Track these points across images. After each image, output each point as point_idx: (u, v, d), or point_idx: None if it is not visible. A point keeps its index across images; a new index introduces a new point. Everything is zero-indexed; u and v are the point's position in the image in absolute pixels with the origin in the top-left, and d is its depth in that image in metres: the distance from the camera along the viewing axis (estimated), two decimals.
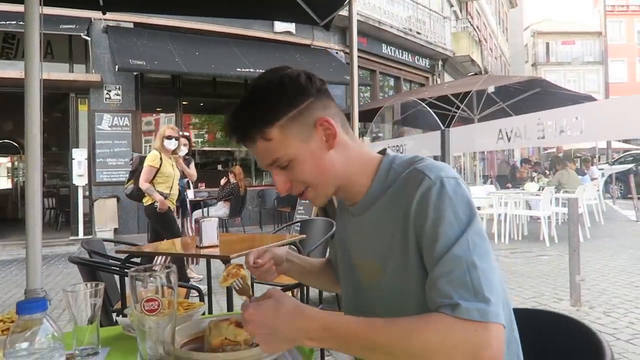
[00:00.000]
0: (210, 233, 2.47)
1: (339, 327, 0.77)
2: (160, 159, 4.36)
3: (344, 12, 3.43)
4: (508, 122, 1.61)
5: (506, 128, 1.60)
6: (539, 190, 8.37)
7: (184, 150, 5.03)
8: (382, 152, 0.99)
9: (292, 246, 3.15)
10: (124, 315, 1.23)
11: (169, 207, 4.39)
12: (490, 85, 8.37)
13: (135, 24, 8.99)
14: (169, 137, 4.43)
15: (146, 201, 4.38)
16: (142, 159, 4.53)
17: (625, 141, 26.25)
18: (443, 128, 2.06)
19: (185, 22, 9.21)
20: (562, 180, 8.99)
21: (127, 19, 8.86)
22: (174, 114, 9.67)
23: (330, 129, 0.91)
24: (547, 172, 13.95)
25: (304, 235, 3.14)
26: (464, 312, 0.72)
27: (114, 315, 2.16)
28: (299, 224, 3.75)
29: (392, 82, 14.16)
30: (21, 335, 0.63)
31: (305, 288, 3.01)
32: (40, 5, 2.29)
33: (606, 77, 31.50)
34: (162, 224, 4.35)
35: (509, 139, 1.61)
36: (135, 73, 8.73)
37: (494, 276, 0.77)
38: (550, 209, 7.50)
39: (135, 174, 4.59)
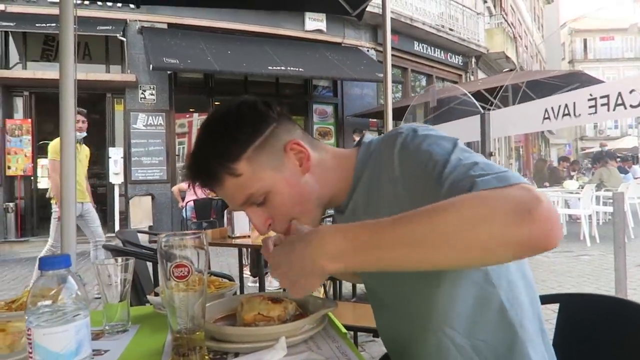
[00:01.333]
0: (242, 223, 2.45)
1: (362, 228, 0.66)
2: None
3: (375, 8, 3.36)
4: (556, 99, 1.51)
5: (553, 106, 1.50)
6: (579, 188, 8.07)
7: None
8: (359, 143, 0.94)
9: None
10: (156, 295, 1.21)
11: None
12: (525, 79, 8.12)
13: (169, 24, 9.13)
14: None
15: None
16: None
17: None
18: (482, 111, 1.99)
19: (218, 22, 9.32)
20: (603, 178, 8.64)
21: (161, 20, 9.02)
22: (206, 114, 9.76)
23: (302, 151, 0.85)
24: (585, 172, 13.47)
25: None
26: (485, 183, 0.64)
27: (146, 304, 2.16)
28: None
29: (424, 80, 13.96)
30: (44, 291, 0.60)
31: (338, 281, 2.96)
32: (75, 7, 2.31)
33: None
34: None
35: (556, 118, 1.51)
36: (169, 72, 8.87)
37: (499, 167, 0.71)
38: (591, 207, 7.21)
39: None
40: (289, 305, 0.92)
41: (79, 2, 2.48)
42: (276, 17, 9.73)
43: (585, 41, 37.22)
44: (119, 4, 8.43)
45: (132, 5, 3.26)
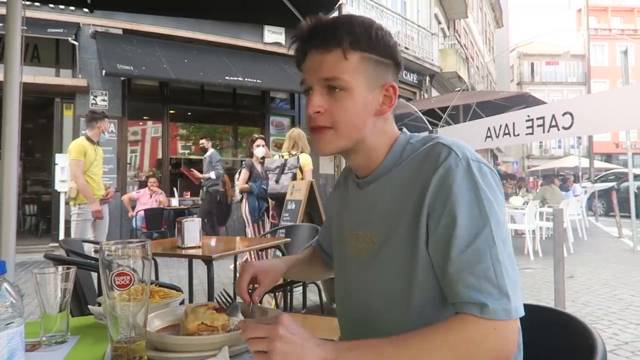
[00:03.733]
0: (193, 233, 2.41)
1: (363, 345, 0.72)
2: None
3: None
4: (497, 120, 1.59)
5: (495, 125, 1.58)
6: (524, 204, 8.42)
7: (261, 152, 5.48)
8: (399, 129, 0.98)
9: (277, 250, 3.10)
10: (99, 305, 1.18)
11: None
12: (477, 99, 8.46)
13: (125, 30, 8.93)
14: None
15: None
16: (297, 158, 4.80)
17: (607, 160, 26.75)
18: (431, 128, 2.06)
19: (175, 31, 9.19)
20: (546, 196, 9.08)
21: (116, 25, 8.81)
22: (160, 123, 9.59)
23: (391, 98, 0.91)
24: (530, 189, 14.07)
25: (289, 239, 3.09)
26: (491, 313, 0.72)
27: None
28: (283, 230, 3.70)
29: None
30: None
31: (289, 293, 2.96)
32: (23, 7, 2.24)
33: None
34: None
35: (497, 137, 1.59)
36: (122, 78, 8.66)
37: (514, 267, 0.76)
38: (535, 222, 7.54)
39: (294, 176, 4.80)
40: None
41: (28, 2, 2.40)
42: (235, 28, 9.71)
43: (532, 65, 39.13)
44: (72, 7, 8.18)
45: (86, 10, 3.18)
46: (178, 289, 2.09)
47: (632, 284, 5.24)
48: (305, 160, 4.75)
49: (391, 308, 0.87)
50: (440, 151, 0.83)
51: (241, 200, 5.23)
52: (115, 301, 0.78)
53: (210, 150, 7.32)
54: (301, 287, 2.99)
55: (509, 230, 0.80)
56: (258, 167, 5.31)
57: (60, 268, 0.97)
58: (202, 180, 7.35)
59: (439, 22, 17.78)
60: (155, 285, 2.49)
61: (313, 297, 4.33)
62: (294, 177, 4.68)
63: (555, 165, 27.10)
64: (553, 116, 1.39)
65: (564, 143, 35.88)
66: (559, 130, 1.37)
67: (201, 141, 7.51)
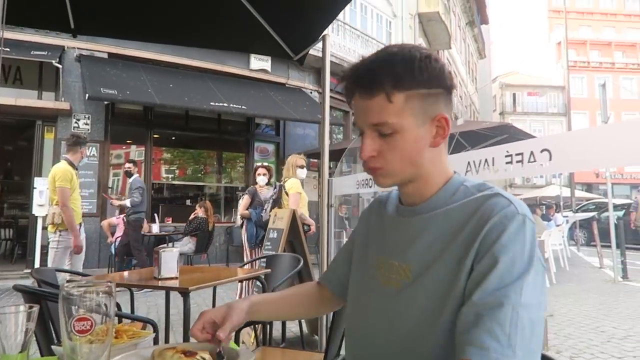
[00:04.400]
0: (170, 264, 2.35)
1: None
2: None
3: (319, 52, 3.47)
4: (477, 154, 1.60)
5: (475, 160, 1.59)
6: None
7: (264, 180, 5.46)
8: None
9: (257, 281, 3.04)
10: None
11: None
12: (460, 130, 8.57)
13: (110, 54, 8.94)
14: (302, 167, 4.85)
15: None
16: (281, 187, 4.90)
17: (588, 190, 27.22)
18: None
19: (161, 56, 9.23)
20: None
21: (101, 49, 8.82)
22: (144, 147, 9.52)
23: (444, 128, 0.90)
24: None
25: (269, 270, 3.04)
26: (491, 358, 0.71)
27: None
28: (264, 259, 3.64)
29: None
30: None
31: (268, 325, 2.89)
32: (2, 28, 2.22)
33: (569, 128, 32.89)
34: (302, 245, 4.40)
35: (477, 171, 1.60)
36: (106, 102, 8.61)
37: (533, 332, 0.75)
38: None
39: (277, 202, 4.89)
40: (204, 359, 0.88)
41: (8, 25, 2.38)
42: (221, 54, 9.78)
43: (514, 95, 40.02)
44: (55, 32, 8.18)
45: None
46: (152, 323, 2.03)
47: (613, 316, 5.25)
48: (291, 184, 4.76)
49: (412, 343, 0.85)
50: (501, 202, 0.83)
51: (242, 226, 5.26)
52: (76, 343, 0.74)
53: (134, 176, 7.04)
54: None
55: (542, 301, 0.78)
56: (260, 194, 5.37)
57: (22, 307, 0.93)
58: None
59: None
60: (131, 320, 2.41)
61: (294, 328, 4.25)
62: (280, 205, 4.71)
63: (538, 194, 27.47)
64: (532, 152, 1.39)
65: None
66: (537, 166, 1.37)
67: (126, 165, 7.17)
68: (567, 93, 27.96)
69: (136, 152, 9.69)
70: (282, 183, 4.97)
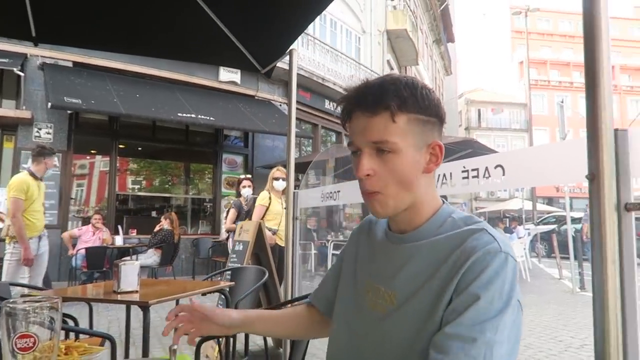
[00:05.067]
0: (130, 277, 2.31)
1: None
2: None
3: (287, 65, 3.49)
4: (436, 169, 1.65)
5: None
6: None
7: (248, 192, 5.51)
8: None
9: (220, 294, 3.01)
10: None
11: (276, 242, 4.75)
12: None
13: (75, 63, 8.74)
14: (277, 179, 4.77)
15: None
16: (255, 200, 4.98)
17: (549, 203, 28.07)
18: None
19: (128, 65, 9.09)
20: None
21: (66, 57, 8.62)
22: (109, 157, 9.31)
23: (438, 156, 0.94)
24: None
25: (232, 283, 3.01)
26: None
27: None
28: (230, 272, 3.61)
29: (334, 136, 14.50)
30: None
31: (232, 339, 2.86)
32: None
33: (530, 144, 33.98)
34: (268, 258, 4.38)
35: (436, 186, 1.64)
36: (69, 112, 8.41)
37: None
38: None
39: (249, 213, 5.06)
40: None
41: None
42: (190, 65, 9.71)
43: (479, 111, 41.11)
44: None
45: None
46: (110, 338, 1.98)
47: (571, 326, 5.41)
48: (260, 197, 4.83)
49: None
50: (485, 238, 0.85)
51: (227, 239, 5.27)
52: (17, 356, 0.72)
53: None
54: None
55: (515, 336, 0.81)
56: (245, 207, 5.38)
57: None
58: None
59: (392, 68, 18.50)
60: (89, 336, 2.35)
61: (260, 341, 4.21)
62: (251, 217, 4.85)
63: (502, 207, 28.18)
64: (486, 168, 1.44)
65: None
66: (492, 181, 1.42)
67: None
68: (529, 110, 28.96)
69: (101, 162, 9.48)
70: (256, 196, 5.02)
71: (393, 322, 0.88)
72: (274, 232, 4.79)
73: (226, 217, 5.57)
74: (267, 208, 4.77)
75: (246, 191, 5.52)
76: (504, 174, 1.42)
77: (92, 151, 9.45)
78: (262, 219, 4.68)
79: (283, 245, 5.08)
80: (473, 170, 1.57)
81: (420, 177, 0.92)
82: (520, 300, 0.84)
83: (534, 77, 39.61)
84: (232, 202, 5.84)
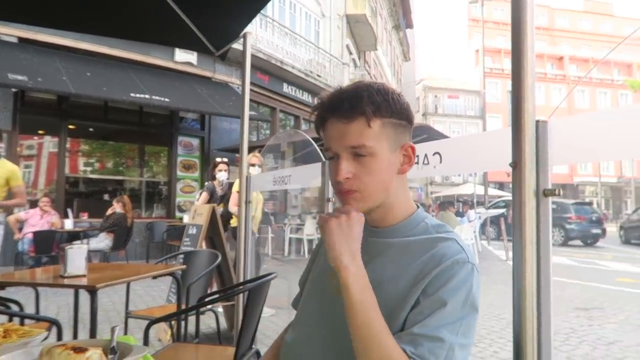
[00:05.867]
0: (77, 261, 2.27)
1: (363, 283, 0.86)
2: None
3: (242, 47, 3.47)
4: None
5: None
6: None
7: (224, 175, 5.45)
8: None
9: (172, 276, 3.01)
10: None
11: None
12: None
13: (20, 39, 8.30)
14: (252, 165, 4.69)
15: (233, 223, 4.77)
16: (231, 185, 4.94)
17: (500, 188, 29.08)
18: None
19: (78, 43, 8.71)
20: (442, 221, 9.68)
21: (10, 32, 8.17)
22: (58, 138, 8.96)
23: (411, 157, 1.00)
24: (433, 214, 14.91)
25: (184, 266, 3.01)
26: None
27: None
28: (183, 255, 3.60)
29: (292, 120, 14.47)
30: None
31: (185, 321, 2.88)
32: None
33: (484, 130, 34.99)
34: (222, 241, 4.33)
35: None
36: (14, 90, 8.01)
37: None
38: None
39: (224, 198, 5.08)
40: (94, 355, 0.89)
41: None
42: (144, 44, 9.40)
43: (436, 97, 41.92)
44: None
45: None
46: (55, 323, 1.96)
47: None
48: (236, 183, 4.78)
49: (348, 356, 0.89)
50: (454, 248, 0.93)
51: None
52: None
53: None
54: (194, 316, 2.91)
55: (472, 342, 0.91)
56: (218, 191, 5.30)
57: None
58: None
59: (350, 53, 18.54)
60: (35, 321, 2.31)
61: (213, 323, 4.23)
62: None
63: (455, 192, 28.98)
64: (425, 155, 1.51)
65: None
66: (430, 167, 1.50)
67: None
68: (483, 98, 29.75)
69: (50, 143, 9.11)
70: (233, 181, 4.98)
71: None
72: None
73: (198, 199, 5.49)
74: None
75: (222, 175, 5.40)
76: (441, 161, 1.49)
77: (40, 131, 9.07)
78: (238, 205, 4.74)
79: (255, 231, 5.14)
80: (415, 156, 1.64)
81: (395, 179, 0.98)
82: (478, 307, 0.93)
83: (488, 65, 40.63)
84: (205, 184, 5.77)
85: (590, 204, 21.41)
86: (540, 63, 41.63)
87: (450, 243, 0.94)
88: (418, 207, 1.06)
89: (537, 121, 1.12)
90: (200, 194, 5.54)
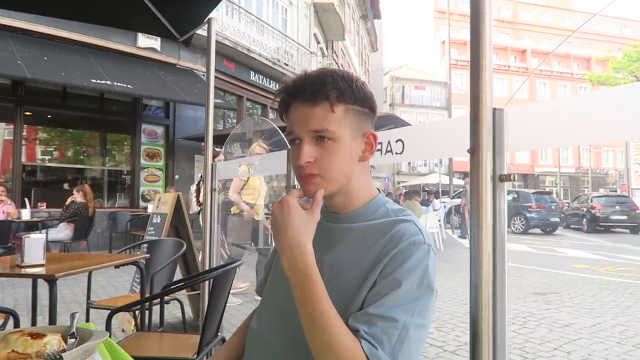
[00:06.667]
0: (35, 250, 2.21)
1: (310, 269, 0.86)
2: None
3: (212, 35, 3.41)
4: None
5: None
6: None
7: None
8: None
9: (135, 266, 2.96)
10: None
11: (254, 217, 4.93)
12: None
13: None
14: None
15: (234, 211, 4.90)
16: None
17: (464, 178, 29.74)
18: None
19: (34, 25, 8.36)
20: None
21: None
22: (13, 125, 8.61)
23: (372, 145, 1.01)
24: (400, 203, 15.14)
25: (148, 255, 2.97)
26: (375, 358, 0.80)
27: None
28: (146, 244, 3.54)
29: (260, 109, 14.35)
30: None
31: (149, 311, 2.84)
32: None
33: None
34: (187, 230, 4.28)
35: None
36: None
37: (417, 348, 0.86)
38: None
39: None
40: (53, 340, 0.88)
41: None
42: (105, 28, 9.10)
43: (403, 88, 42.30)
44: None
45: None
46: (12, 313, 1.91)
47: None
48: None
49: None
50: (412, 229, 0.94)
51: (198, 213, 5.25)
52: None
53: None
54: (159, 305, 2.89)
55: (429, 323, 0.91)
56: None
57: None
58: None
59: (318, 42, 18.48)
60: None
61: (178, 313, 4.20)
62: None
63: (421, 181, 29.52)
64: (389, 142, 1.53)
65: (429, 161, 39.21)
66: (393, 155, 1.52)
67: None
68: (449, 89, 30.22)
69: (5, 130, 8.75)
70: None
71: None
72: (252, 207, 4.93)
73: (197, 195, 5.57)
74: (246, 183, 4.92)
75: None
76: (403, 148, 1.51)
77: None
78: (239, 192, 4.85)
79: (259, 219, 5.15)
80: (378, 143, 1.66)
81: (356, 166, 0.99)
82: (436, 289, 0.94)
83: (454, 57, 41.28)
84: (200, 175, 5.77)
85: (550, 193, 22.19)
86: (504, 55, 42.55)
87: (408, 225, 0.95)
88: (379, 191, 1.07)
89: (494, 109, 1.15)
90: (199, 185, 5.51)
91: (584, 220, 18.29)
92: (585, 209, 18.29)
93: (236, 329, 1.24)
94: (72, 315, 0.99)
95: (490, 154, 1.13)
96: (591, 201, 18.29)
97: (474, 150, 1.13)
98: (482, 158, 1.12)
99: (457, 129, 1.29)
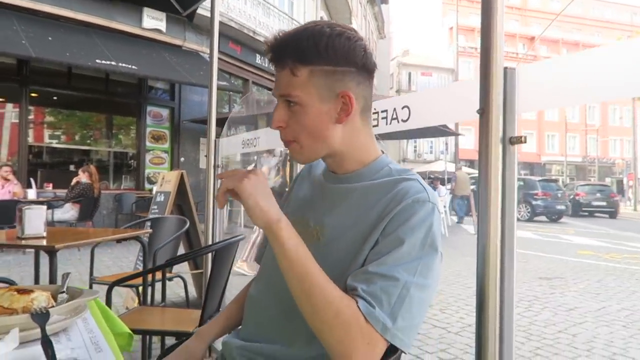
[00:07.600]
0: (35, 222, 2.19)
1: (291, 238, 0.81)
2: None
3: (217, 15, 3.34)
4: None
5: None
6: None
7: None
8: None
9: (137, 241, 2.95)
10: None
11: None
12: None
13: None
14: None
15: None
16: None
17: (470, 166, 29.60)
18: None
19: (38, 5, 8.29)
20: None
21: None
22: (19, 106, 8.59)
23: (348, 105, 0.91)
24: None
25: (150, 230, 2.95)
26: (372, 317, 0.77)
27: None
28: (149, 222, 3.52)
29: (265, 92, 14.26)
30: None
31: (151, 287, 2.83)
32: None
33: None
34: (191, 208, 4.25)
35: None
36: None
37: (419, 309, 0.82)
38: None
39: (280, 170, 5.07)
40: (40, 297, 0.85)
41: None
42: (109, 8, 9.05)
43: (409, 74, 42.01)
44: None
45: None
46: (10, 283, 1.89)
47: None
48: None
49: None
50: (416, 187, 0.89)
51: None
52: None
53: None
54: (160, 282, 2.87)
55: (432, 284, 0.86)
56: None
57: None
58: None
59: None
60: None
61: (183, 292, 4.20)
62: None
63: (427, 168, 29.39)
64: (394, 109, 1.49)
65: (435, 149, 39.06)
66: (398, 122, 1.47)
67: None
68: (456, 76, 30.01)
69: (12, 113, 8.74)
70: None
71: (316, 257, 0.87)
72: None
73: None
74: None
75: None
76: (409, 115, 1.47)
77: (0, 99, 8.70)
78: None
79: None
80: (382, 111, 1.61)
81: (334, 128, 0.92)
82: (441, 251, 0.89)
83: (462, 44, 40.90)
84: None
85: (556, 180, 22.07)
86: (512, 42, 42.03)
87: (412, 183, 0.91)
88: (383, 152, 1.03)
89: (506, 68, 1.10)
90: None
91: (570, 205, 19.71)
92: (571, 196, 20.11)
93: (235, 296, 1.22)
94: (64, 275, 0.97)
95: (500, 115, 1.08)
96: (576, 189, 21.00)
97: (484, 111, 1.09)
98: (492, 119, 1.08)
99: (466, 91, 1.24)
